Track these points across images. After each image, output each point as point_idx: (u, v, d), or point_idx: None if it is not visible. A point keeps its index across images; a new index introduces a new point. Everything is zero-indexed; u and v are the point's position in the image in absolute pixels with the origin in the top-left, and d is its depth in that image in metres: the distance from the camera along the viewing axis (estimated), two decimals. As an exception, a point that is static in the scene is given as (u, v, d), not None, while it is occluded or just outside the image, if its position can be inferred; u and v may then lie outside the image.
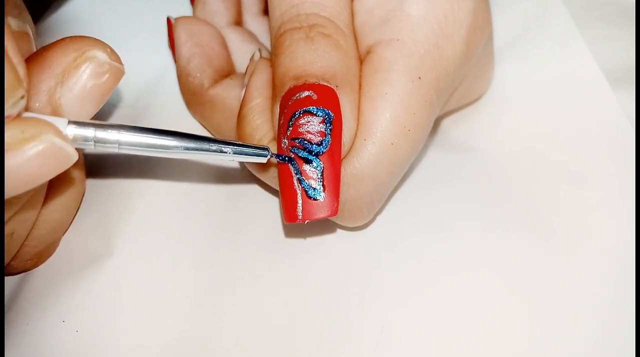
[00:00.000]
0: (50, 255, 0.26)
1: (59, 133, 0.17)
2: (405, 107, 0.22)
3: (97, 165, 0.29)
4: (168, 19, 0.29)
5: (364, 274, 0.25)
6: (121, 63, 0.21)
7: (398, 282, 0.24)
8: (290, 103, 0.21)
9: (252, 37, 0.31)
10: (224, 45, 0.29)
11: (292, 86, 0.22)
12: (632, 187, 0.26)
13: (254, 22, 0.32)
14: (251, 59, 0.26)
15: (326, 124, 0.21)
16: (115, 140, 0.19)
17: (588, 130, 0.28)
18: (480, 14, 0.24)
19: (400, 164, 0.23)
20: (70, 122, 0.18)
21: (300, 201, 0.21)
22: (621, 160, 0.27)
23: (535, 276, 0.24)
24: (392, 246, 0.25)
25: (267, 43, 0.31)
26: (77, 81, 0.20)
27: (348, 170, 0.22)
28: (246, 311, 0.24)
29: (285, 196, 0.21)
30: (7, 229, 0.22)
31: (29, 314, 0.25)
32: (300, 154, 0.21)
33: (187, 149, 0.20)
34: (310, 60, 0.22)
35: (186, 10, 0.33)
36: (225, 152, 0.20)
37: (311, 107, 0.21)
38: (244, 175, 0.29)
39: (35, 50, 0.24)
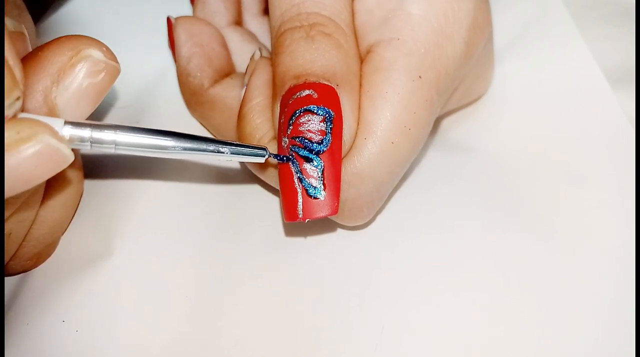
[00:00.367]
0: (49, 255, 0.26)
1: (55, 133, 0.17)
2: (406, 106, 0.22)
3: (96, 165, 0.29)
4: (168, 19, 0.29)
5: (364, 274, 0.25)
6: (117, 61, 0.21)
7: (398, 282, 0.24)
8: (290, 102, 0.21)
9: (252, 37, 0.31)
10: (224, 45, 0.29)
11: (292, 85, 0.22)
12: (632, 187, 0.26)
13: (254, 22, 0.32)
14: (251, 58, 0.26)
15: (327, 122, 0.21)
16: (112, 141, 0.19)
17: (588, 130, 0.28)
18: (480, 13, 0.24)
19: (401, 163, 0.23)
20: (66, 122, 0.18)
21: (300, 200, 0.21)
22: (621, 160, 0.27)
23: (535, 276, 0.24)
24: (392, 245, 0.25)
25: (267, 43, 0.31)
26: (72, 80, 0.20)
27: (348, 169, 0.22)
28: (246, 310, 0.24)
29: (286, 194, 0.21)
30: (5, 229, 0.22)
31: (29, 314, 0.24)
32: (300, 153, 0.21)
33: (185, 149, 0.20)
34: (311, 59, 0.22)
35: (186, 10, 0.33)
36: (223, 152, 0.20)
37: (312, 106, 0.21)
38: (244, 175, 0.29)
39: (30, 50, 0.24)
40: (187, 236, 0.26)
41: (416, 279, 0.24)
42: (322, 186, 0.21)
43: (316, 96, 0.21)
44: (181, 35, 0.28)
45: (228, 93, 0.27)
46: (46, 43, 0.20)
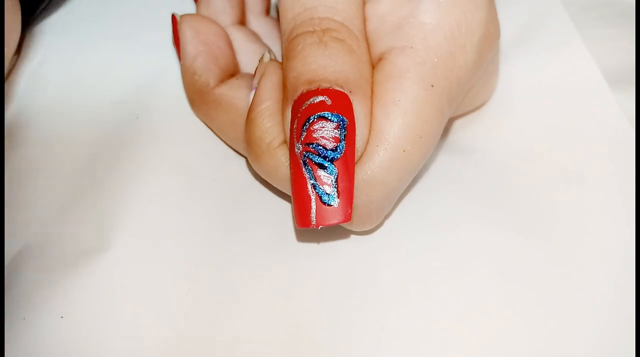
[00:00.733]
0: None
1: None
2: (418, 115, 0.22)
3: (96, 165, 0.29)
4: (173, 16, 0.29)
5: (364, 274, 0.25)
6: None
7: (399, 282, 0.24)
8: (304, 108, 0.21)
9: (256, 37, 0.30)
10: (230, 44, 0.29)
11: (305, 91, 0.21)
12: (632, 187, 0.26)
13: (257, 22, 0.32)
14: (260, 60, 0.26)
15: (340, 129, 0.21)
16: None
17: (588, 131, 0.29)
18: (491, 23, 0.24)
19: (411, 170, 0.23)
20: None
21: (314, 207, 0.21)
22: (621, 160, 0.27)
23: (536, 277, 0.24)
24: (393, 246, 0.25)
25: (269, 43, 0.31)
26: None
27: (359, 176, 0.22)
28: (246, 310, 0.24)
29: (299, 201, 0.21)
30: None
31: (25, 308, 0.24)
32: (315, 160, 0.21)
33: None
34: (324, 65, 0.22)
35: (187, 7, 0.32)
36: None
37: (326, 113, 0.21)
38: (245, 174, 0.29)
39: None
40: (187, 236, 0.26)
41: (417, 279, 0.24)
42: (336, 193, 0.21)
43: (330, 103, 0.21)
44: (187, 32, 0.28)
45: (235, 93, 0.27)
46: None
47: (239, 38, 0.29)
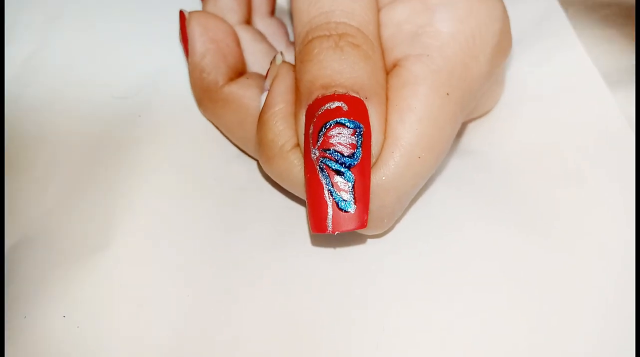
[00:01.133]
0: None
1: None
2: (434, 122, 0.22)
3: (97, 163, 0.29)
4: (181, 13, 0.29)
5: (365, 274, 0.25)
6: None
7: (399, 282, 0.25)
8: (319, 113, 0.21)
9: (262, 37, 0.30)
10: (238, 43, 0.29)
11: (320, 95, 0.21)
12: (632, 186, 0.27)
13: (262, 22, 0.31)
14: (272, 62, 0.26)
15: (357, 136, 0.21)
16: None
17: (588, 131, 0.29)
18: (504, 35, 0.24)
19: (424, 176, 0.23)
20: None
21: (330, 213, 0.21)
22: (621, 160, 0.28)
23: (536, 276, 0.25)
24: (394, 246, 0.26)
25: (275, 44, 0.31)
26: None
27: (374, 181, 0.22)
28: (246, 310, 0.24)
29: (315, 206, 0.21)
30: None
31: (26, 306, 0.24)
32: (332, 166, 0.21)
33: None
34: (339, 70, 0.22)
35: (193, 4, 0.31)
36: None
37: (342, 119, 0.21)
38: (245, 174, 0.29)
39: None
40: (187, 235, 0.26)
41: (417, 279, 0.25)
42: (353, 200, 0.21)
43: (346, 109, 0.21)
44: (196, 30, 0.28)
45: (244, 92, 0.26)
46: None
47: (245, 37, 0.29)
